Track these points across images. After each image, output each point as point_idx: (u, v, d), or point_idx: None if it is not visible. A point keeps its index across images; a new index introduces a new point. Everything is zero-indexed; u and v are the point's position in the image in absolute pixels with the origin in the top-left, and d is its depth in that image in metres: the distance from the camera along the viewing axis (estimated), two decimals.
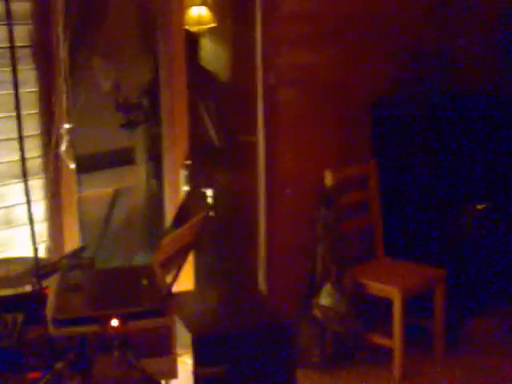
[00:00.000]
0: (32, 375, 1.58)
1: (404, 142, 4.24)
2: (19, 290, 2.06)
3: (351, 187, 4.15)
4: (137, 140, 3.90)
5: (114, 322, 1.77)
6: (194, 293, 3.17)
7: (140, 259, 3.70)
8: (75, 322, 1.76)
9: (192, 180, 3.45)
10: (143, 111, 3.83)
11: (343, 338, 3.81)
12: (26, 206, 2.77)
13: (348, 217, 4.01)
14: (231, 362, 2.37)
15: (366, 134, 4.26)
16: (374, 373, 3.77)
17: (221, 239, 3.95)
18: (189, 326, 2.33)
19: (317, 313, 3.76)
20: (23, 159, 2.02)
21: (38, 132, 2.85)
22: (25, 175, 2.15)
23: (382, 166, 4.19)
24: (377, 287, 3.79)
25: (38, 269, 2.08)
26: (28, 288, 2.07)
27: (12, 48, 2.14)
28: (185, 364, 2.27)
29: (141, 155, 3.91)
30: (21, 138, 1.96)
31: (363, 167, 4.18)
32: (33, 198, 2.80)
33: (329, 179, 3.95)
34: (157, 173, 3.78)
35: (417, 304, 3.89)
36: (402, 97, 4.30)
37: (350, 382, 3.70)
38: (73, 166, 2.91)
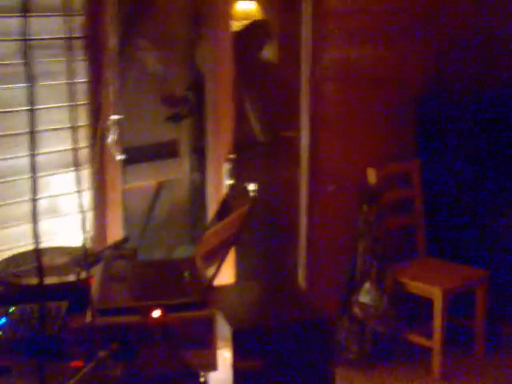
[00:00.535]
0: (75, 363, 1.60)
1: (449, 139, 4.19)
2: (63, 279, 2.09)
3: (394, 185, 4.12)
4: (181, 133, 3.92)
5: (156, 313, 1.78)
6: (234, 287, 3.18)
7: (182, 252, 3.72)
8: (118, 311, 1.78)
9: (235, 174, 3.46)
10: (188, 104, 3.85)
11: (382, 336, 3.79)
12: (70, 196, 2.83)
13: (390, 215, 3.99)
14: (270, 357, 2.37)
15: (411, 130, 4.22)
16: (413, 372, 3.75)
17: (262, 234, 3.96)
18: (229, 320, 2.33)
19: (356, 310, 3.75)
20: (75, 149, 2.05)
21: (86, 123, 2.88)
22: (76, 165, 2.18)
23: (425, 164, 4.16)
24: (418, 286, 3.76)
25: (82, 258, 2.11)
26: (72, 277, 2.10)
27: (69, 39, 2.17)
28: (224, 357, 2.28)
29: (185, 148, 3.93)
30: (73, 129, 1.98)
31: (407, 165, 4.15)
32: (78, 188, 2.84)
33: (372, 176, 3.92)
34: (200, 166, 3.79)
35: (458, 304, 3.85)
36: (448, 94, 4.25)
37: (388, 381, 3.68)
38: (119, 157, 2.94)
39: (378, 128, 4.08)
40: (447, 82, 4.27)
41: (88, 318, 1.75)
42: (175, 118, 3.78)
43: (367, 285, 3.75)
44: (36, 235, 1.02)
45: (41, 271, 1.10)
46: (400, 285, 3.80)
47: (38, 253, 1.06)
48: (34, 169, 1.05)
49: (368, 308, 3.72)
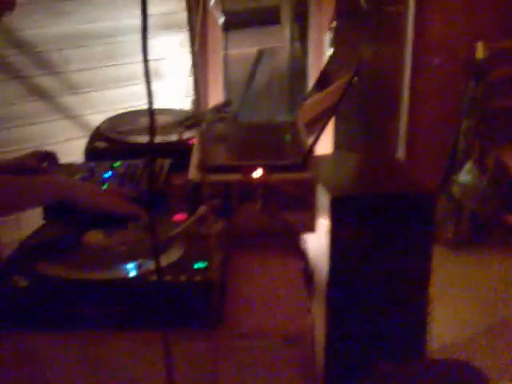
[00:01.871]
0: (177, 217, 1.63)
1: None
2: (166, 139, 2.11)
3: (505, 62, 3.92)
4: None
5: (258, 173, 1.78)
6: (333, 157, 3.15)
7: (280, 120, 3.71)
8: (220, 170, 1.78)
9: (337, 43, 3.36)
10: None
11: (480, 217, 3.72)
12: (172, 59, 2.82)
13: (498, 93, 3.82)
14: (368, 227, 2.36)
15: None
16: (509, 256, 3.69)
17: (363, 106, 3.88)
18: (328, 188, 2.31)
19: (455, 189, 3.68)
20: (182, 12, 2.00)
21: None
22: (179, 28, 2.14)
23: None
24: None
25: (184, 119, 2.12)
26: (174, 137, 2.13)
27: None
28: (323, 224, 2.28)
29: (287, 15, 3.83)
30: None
31: None
32: (180, 52, 2.83)
33: (481, 51, 3.74)
34: (302, 34, 3.71)
35: None
36: None
37: (483, 262, 3.64)
38: (220, 21, 2.88)
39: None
40: None
41: (190, 176, 1.77)
42: None
43: (468, 164, 3.66)
44: (149, 94, 1.00)
45: (152, 128, 1.09)
46: (503, 166, 3.68)
47: (151, 111, 1.04)
48: (145, 29, 1.01)
49: (467, 188, 3.64)
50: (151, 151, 1.28)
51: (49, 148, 1.96)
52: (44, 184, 1.58)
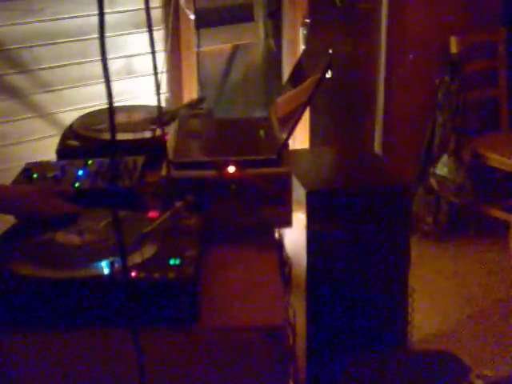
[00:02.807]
0: (151, 214, 1.62)
1: None
2: (139, 136, 2.10)
3: (478, 55, 3.94)
4: None
5: (231, 169, 1.77)
6: (309, 151, 3.15)
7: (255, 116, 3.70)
8: (193, 166, 1.77)
9: (310, 39, 3.36)
10: None
11: (458, 209, 3.75)
12: (145, 57, 2.81)
13: (472, 86, 3.84)
14: (344, 221, 2.35)
15: None
16: (488, 246, 3.71)
17: (339, 101, 3.88)
18: (303, 182, 2.31)
19: (432, 182, 3.69)
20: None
21: None
22: (150, 26, 2.13)
23: None
24: (497, 159, 3.67)
25: (158, 116, 2.11)
26: (148, 134, 2.11)
27: None
28: (299, 219, 2.28)
29: (260, 12, 3.82)
30: None
31: (492, 34, 3.95)
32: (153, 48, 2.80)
33: (454, 45, 3.76)
34: (276, 31, 3.70)
35: None
36: None
37: (462, 253, 3.67)
38: (192, 16, 2.86)
39: None
40: None
41: (163, 172, 1.75)
42: None
43: (445, 157, 3.67)
44: (109, 93, 0.98)
45: (113, 125, 1.07)
46: (479, 158, 3.71)
47: (111, 108, 1.02)
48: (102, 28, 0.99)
49: (444, 180, 3.66)
50: (113, 149, 1.24)
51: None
52: None
